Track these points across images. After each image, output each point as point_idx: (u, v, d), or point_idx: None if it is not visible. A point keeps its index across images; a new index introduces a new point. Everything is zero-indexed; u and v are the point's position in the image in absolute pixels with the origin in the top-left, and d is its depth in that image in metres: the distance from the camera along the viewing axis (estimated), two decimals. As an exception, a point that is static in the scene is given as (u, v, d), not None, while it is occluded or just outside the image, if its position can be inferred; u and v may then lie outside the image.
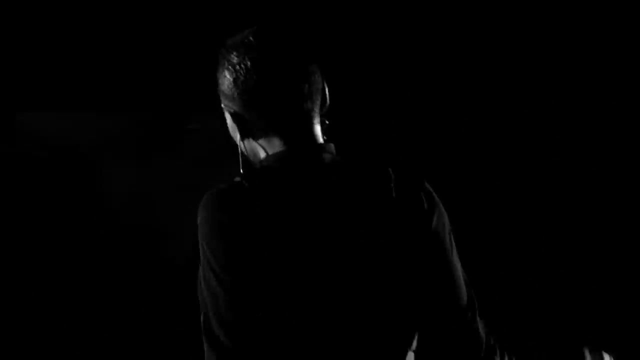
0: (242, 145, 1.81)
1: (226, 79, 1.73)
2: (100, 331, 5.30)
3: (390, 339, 1.85)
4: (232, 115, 1.76)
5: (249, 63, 1.65)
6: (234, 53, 1.67)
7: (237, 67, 1.67)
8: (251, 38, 1.70)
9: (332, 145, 1.79)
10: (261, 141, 1.75)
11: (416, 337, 1.91)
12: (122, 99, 5.62)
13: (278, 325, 1.71)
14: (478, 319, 1.94)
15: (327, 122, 1.81)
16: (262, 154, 1.77)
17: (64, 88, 5.56)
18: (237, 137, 1.83)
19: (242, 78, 1.67)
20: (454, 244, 1.96)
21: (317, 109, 1.81)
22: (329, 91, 1.82)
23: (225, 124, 1.90)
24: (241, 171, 1.81)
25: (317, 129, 1.81)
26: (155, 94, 5.62)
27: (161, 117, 5.65)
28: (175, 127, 5.67)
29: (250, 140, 1.77)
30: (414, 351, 1.87)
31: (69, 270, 5.52)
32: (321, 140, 1.83)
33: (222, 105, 1.85)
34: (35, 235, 5.56)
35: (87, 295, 5.52)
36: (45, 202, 5.63)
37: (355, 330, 1.79)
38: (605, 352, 2.47)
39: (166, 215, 5.52)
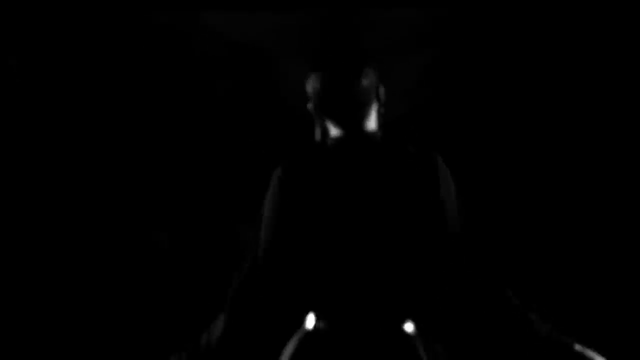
0: (318, 127, 2.48)
1: (309, 88, 2.47)
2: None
3: (395, 278, 2.35)
4: (312, 110, 2.48)
5: (322, 84, 2.41)
6: (312, 80, 2.45)
7: (313, 87, 2.43)
8: (318, 64, 2.46)
9: (377, 132, 2.46)
10: (330, 128, 2.46)
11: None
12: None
13: (304, 253, 2.35)
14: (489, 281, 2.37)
15: (382, 111, 2.50)
16: (332, 132, 2.46)
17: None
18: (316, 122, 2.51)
19: (315, 91, 2.42)
20: (460, 207, 2.42)
21: (372, 103, 2.46)
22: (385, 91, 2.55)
23: None
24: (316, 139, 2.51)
25: (371, 118, 2.47)
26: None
27: (338, 12, 5.58)
28: (351, 21, 5.57)
29: (323, 124, 2.48)
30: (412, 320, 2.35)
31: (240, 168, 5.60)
32: (372, 126, 2.47)
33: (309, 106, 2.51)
34: (216, 129, 5.69)
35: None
36: (226, 101, 5.74)
37: (368, 267, 2.34)
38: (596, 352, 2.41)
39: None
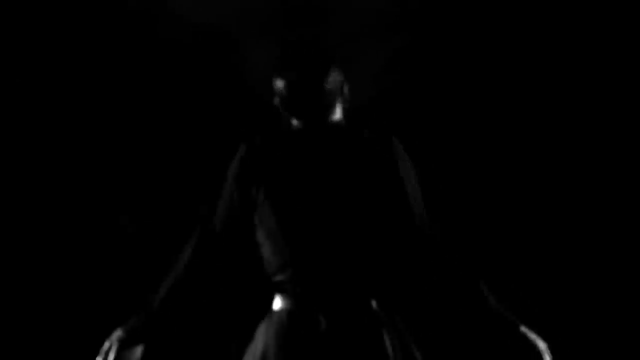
0: (283, 121, 2.60)
1: (275, 87, 2.57)
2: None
3: (354, 256, 2.42)
4: (278, 105, 2.60)
5: (287, 86, 2.52)
6: (278, 81, 2.54)
7: (280, 88, 2.53)
8: (284, 65, 2.56)
9: (339, 122, 2.58)
10: (294, 120, 2.57)
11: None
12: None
13: (270, 226, 2.46)
14: (447, 253, 2.49)
15: (346, 106, 2.61)
16: (295, 123, 2.58)
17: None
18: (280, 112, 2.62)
19: (282, 91, 2.52)
20: (418, 187, 2.55)
21: (336, 102, 2.57)
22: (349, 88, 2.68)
23: None
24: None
25: (335, 113, 2.58)
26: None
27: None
28: (317, 6, 5.55)
29: (288, 117, 2.59)
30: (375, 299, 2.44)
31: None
32: (335, 119, 2.59)
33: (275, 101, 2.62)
34: (179, 112, 5.66)
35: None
36: (191, 86, 5.71)
37: (325, 247, 2.40)
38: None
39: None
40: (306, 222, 2.43)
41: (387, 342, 2.39)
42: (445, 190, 5.77)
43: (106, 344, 2.62)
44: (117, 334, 2.61)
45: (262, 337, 2.47)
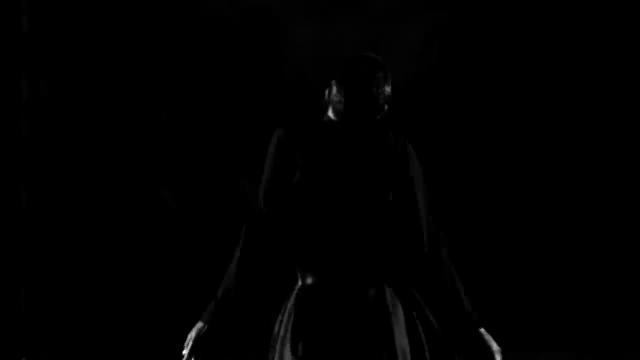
0: (328, 109, 2.80)
1: (331, 93, 2.77)
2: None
3: (370, 243, 2.71)
4: (325, 101, 2.81)
5: (343, 98, 2.73)
6: (336, 86, 2.74)
7: (336, 93, 2.74)
8: (341, 79, 2.76)
9: (375, 122, 2.78)
10: (336, 114, 2.78)
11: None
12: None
13: (296, 208, 2.71)
14: (442, 248, 2.76)
15: (386, 107, 2.78)
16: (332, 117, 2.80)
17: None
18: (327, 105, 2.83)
19: (335, 100, 2.74)
20: (425, 186, 2.80)
21: (383, 109, 2.76)
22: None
23: None
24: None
25: (375, 112, 2.76)
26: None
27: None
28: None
29: (330, 110, 2.80)
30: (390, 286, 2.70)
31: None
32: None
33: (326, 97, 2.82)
34: (222, 89, 5.73)
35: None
36: (236, 64, 5.76)
37: (346, 227, 2.69)
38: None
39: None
40: (333, 207, 2.71)
41: (401, 318, 2.70)
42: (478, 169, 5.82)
43: (189, 337, 2.79)
44: (198, 325, 2.78)
45: (289, 311, 2.73)
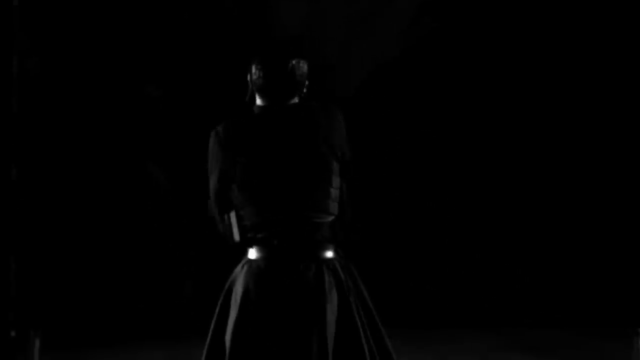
0: (248, 96, 3.12)
1: (252, 73, 3.08)
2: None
3: (315, 210, 3.03)
4: (250, 89, 3.12)
5: (263, 73, 3.05)
6: (255, 66, 3.07)
7: (255, 72, 3.06)
8: (259, 59, 3.10)
9: (295, 103, 3.09)
10: (259, 100, 3.10)
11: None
12: None
13: (243, 195, 3.02)
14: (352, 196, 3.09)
15: (305, 91, 3.09)
16: (258, 102, 3.11)
17: None
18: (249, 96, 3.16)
19: (255, 78, 3.06)
20: (349, 143, 3.11)
21: (301, 88, 3.07)
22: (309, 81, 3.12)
23: None
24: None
25: (295, 98, 3.09)
26: None
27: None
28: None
29: (255, 99, 3.12)
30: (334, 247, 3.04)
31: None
32: (294, 101, 3.09)
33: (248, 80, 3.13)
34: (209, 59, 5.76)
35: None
36: (227, 41, 5.79)
37: (288, 198, 3.02)
38: None
39: (332, 47, 5.50)
40: (274, 186, 3.03)
41: (343, 280, 3.04)
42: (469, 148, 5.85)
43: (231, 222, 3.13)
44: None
45: (241, 281, 3.06)
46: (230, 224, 3.10)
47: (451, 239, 6.19)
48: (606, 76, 5.89)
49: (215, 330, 3.05)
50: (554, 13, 5.85)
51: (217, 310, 3.05)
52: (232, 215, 3.08)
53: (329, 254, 3.07)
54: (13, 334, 5.50)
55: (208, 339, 3.02)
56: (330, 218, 3.05)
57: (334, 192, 3.07)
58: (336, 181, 3.07)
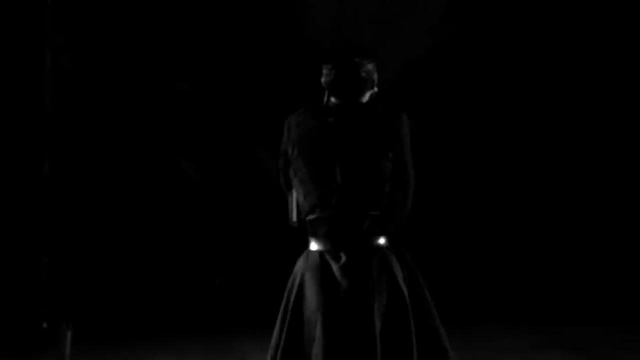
0: (325, 97, 3.32)
1: (323, 72, 3.29)
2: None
3: (360, 195, 3.22)
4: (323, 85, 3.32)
5: (332, 73, 3.29)
6: (325, 68, 3.29)
7: (326, 74, 3.29)
8: (331, 63, 3.30)
9: (364, 102, 3.32)
10: (332, 99, 3.30)
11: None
12: None
13: (302, 176, 3.27)
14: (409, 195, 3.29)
15: (375, 90, 3.32)
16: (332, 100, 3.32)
17: None
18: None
19: (325, 79, 3.28)
20: (410, 151, 3.29)
21: (367, 89, 3.30)
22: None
23: None
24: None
25: (366, 95, 3.32)
26: None
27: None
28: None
29: (329, 97, 3.32)
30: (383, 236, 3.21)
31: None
32: (365, 99, 3.32)
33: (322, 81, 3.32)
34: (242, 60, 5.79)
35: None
36: (257, 35, 5.83)
37: (340, 187, 3.22)
38: None
39: (360, 47, 5.54)
40: (326, 169, 3.24)
41: (397, 269, 3.21)
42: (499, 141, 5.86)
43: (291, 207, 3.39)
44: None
45: (300, 270, 3.29)
46: (290, 204, 3.35)
47: (486, 236, 6.20)
48: (623, 81, 5.87)
49: (283, 317, 3.27)
50: (578, 14, 5.83)
51: (284, 299, 3.28)
52: (292, 196, 3.33)
53: (379, 242, 3.24)
54: (45, 325, 5.56)
55: (276, 326, 3.25)
56: (379, 211, 3.22)
57: (383, 187, 3.23)
58: (386, 178, 3.23)
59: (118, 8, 5.77)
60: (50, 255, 5.70)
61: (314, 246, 3.27)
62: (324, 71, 3.30)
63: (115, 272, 5.98)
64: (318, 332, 3.22)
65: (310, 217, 3.25)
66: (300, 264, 3.30)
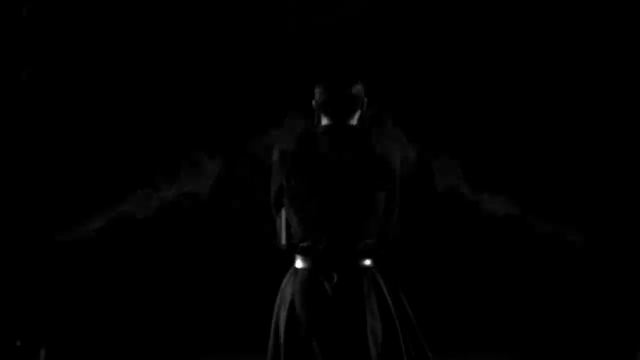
0: (316, 119, 3.45)
1: (315, 94, 3.40)
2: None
3: (355, 226, 3.34)
4: (315, 107, 3.45)
5: (324, 96, 3.38)
6: (318, 90, 3.39)
7: (318, 95, 3.39)
8: (323, 85, 3.41)
9: (354, 125, 3.43)
10: (323, 120, 3.42)
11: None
12: None
13: (297, 206, 3.36)
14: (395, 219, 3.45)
15: (363, 114, 3.44)
16: (324, 122, 3.43)
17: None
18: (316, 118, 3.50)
19: (317, 99, 3.39)
20: (398, 182, 3.44)
21: (356, 110, 3.41)
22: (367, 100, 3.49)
23: None
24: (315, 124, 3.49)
25: (354, 118, 3.43)
26: None
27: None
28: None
29: (320, 118, 3.45)
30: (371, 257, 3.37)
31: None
32: (353, 122, 3.43)
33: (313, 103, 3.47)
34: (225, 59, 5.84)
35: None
36: (234, 34, 5.80)
37: (337, 218, 3.32)
38: None
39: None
40: (324, 201, 3.32)
41: (383, 288, 3.33)
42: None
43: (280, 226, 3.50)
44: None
45: (289, 288, 3.36)
46: (279, 227, 3.40)
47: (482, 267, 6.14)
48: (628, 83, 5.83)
49: (274, 336, 3.35)
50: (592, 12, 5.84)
51: (273, 320, 3.36)
52: (280, 218, 3.39)
53: (368, 262, 3.35)
54: (18, 343, 5.46)
55: (269, 346, 3.34)
56: (372, 238, 3.36)
57: (377, 217, 3.36)
58: (380, 208, 3.36)
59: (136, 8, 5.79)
60: (24, 270, 5.61)
61: (301, 264, 3.37)
62: (316, 92, 3.40)
63: (88, 289, 5.87)
64: (316, 349, 3.27)
65: (303, 244, 3.35)
66: (288, 283, 3.38)
